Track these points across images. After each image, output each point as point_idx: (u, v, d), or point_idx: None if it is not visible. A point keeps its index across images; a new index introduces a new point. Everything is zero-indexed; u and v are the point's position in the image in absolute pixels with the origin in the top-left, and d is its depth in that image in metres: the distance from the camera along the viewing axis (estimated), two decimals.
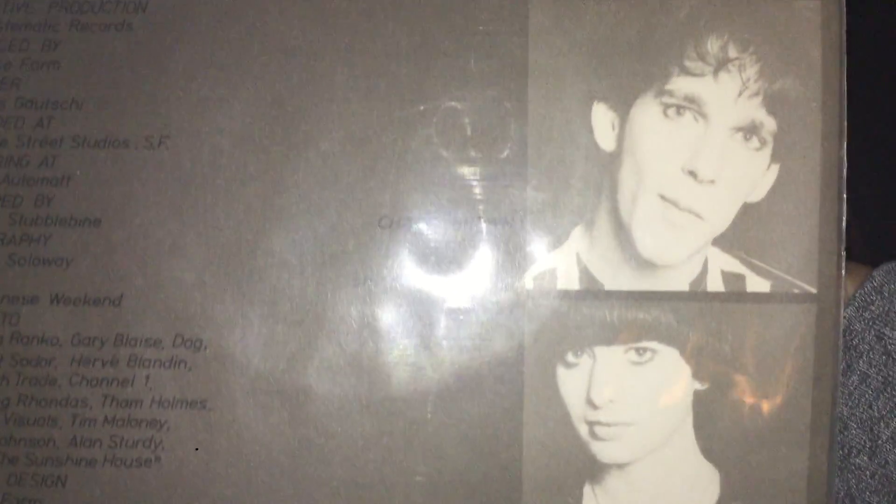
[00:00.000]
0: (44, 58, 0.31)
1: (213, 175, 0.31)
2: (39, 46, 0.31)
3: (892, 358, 0.32)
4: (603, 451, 0.31)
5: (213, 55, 0.31)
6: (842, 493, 0.33)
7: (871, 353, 0.32)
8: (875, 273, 0.33)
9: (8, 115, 0.31)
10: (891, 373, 0.32)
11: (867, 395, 0.32)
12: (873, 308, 0.32)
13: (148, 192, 0.31)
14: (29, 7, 0.32)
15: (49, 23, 0.31)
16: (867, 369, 0.32)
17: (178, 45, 0.31)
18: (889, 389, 0.32)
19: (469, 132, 0.31)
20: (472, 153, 0.31)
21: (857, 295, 0.32)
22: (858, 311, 0.32)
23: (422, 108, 0.31)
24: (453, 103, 0.31)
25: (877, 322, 0.32)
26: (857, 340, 0.32)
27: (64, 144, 0.31)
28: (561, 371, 0.31)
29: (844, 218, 0.30)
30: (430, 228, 0.31)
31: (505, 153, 0.31)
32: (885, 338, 0.32)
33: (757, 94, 0.30)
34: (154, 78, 0.31)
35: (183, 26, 0.31)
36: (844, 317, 0.32)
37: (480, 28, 0.31)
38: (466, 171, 0.31)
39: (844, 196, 0.30)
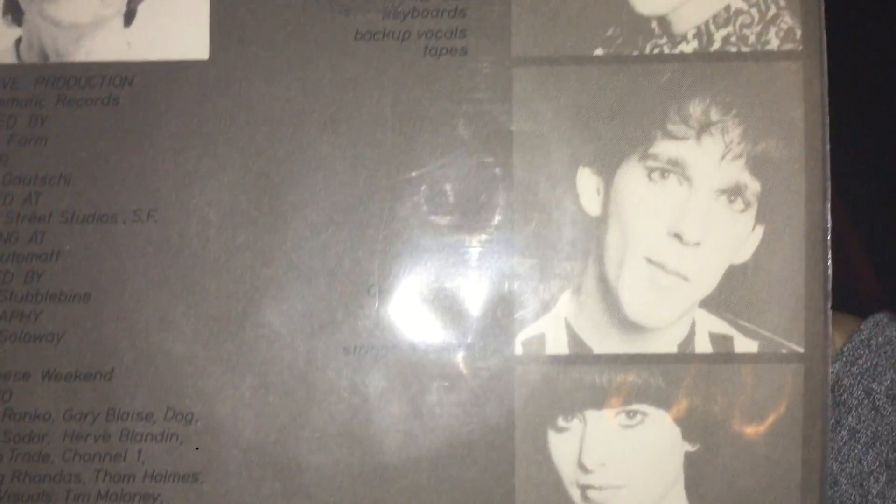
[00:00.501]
0: (31, 134, 0.32)
1: (201, 247, 0.31)
2: (26, 122, 0.32)
3: (881, 413, 0.32)
4: None
5: (199, 128, 0.31)
6: None
7: (859, 407, 0.32)
8: (863, 326, 0.33)
9: None
10: (879, 427, 0.32)
11: (856, 451, 0.32)
12: (861, 362, 0.32)
13: (137, 265, 0.31)
14: (15, 83, 0.32)
15: (35, 98, 0.32)
16: (856, 424, 0.32)
17: (165, 118, 0.31)
18: (878, 444, 0.32)
19: (456, 199, 0.31)
20: (460, 220, 0.31)
21: (845, 349, 0.33)
22: (846, 365, 0.33)
23: (408, 175, 0.31)
24: (440, 171, 0.31)
25: (865, 376, 0.32)
26: (845, 395, 0.32)
27: (52, 220, 0.31)
28: (552, 436, 0.31)
29: (830, 277, 0.30)
30: (418, 296, 0.31)
31: (493, 220, 0.31)
32: (873, 392, 0.32)
33: (740, 156, 0.31)
34: (141, 152, 0.31)
35: (169, 100, 0.31)
36: (832, 371, 0.32)
37: (465, 95, 0.31)
38: (454, 238, 0.31)
39: (829, 255, 0.30)
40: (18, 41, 0.32)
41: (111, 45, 0.32)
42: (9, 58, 0.32)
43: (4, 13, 0.32)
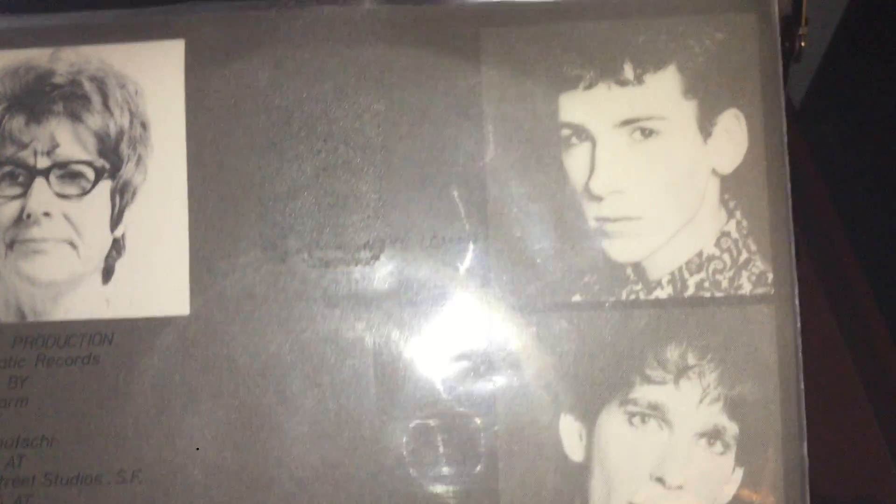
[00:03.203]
0: (11, 395, 0.31)
1: None
2: (6, 383, 0.31)
3: None
4: None
5: (181, 384, 0.31)
6: None
7: None
8: None
9: None
10: None
11: None
12: None
13: None
14: None
15: (14, 359, 0.32)
16: None
17: (146, 375, 0.31)
18: None
19: (440, 450, 0.31)
20: (444, 471, 0.31)
21: None
22: None
23: (391, 427, 0.31)
24: (423, 421, 0.31)
25: None
26: None
27: (36, 483, 0.31)
28: None
29: None
30: None
31: (477, 469, 0.31)
32: None
33: (717, 399, 0.31)
34: (123, 410, 0.31)
35: (150, 357, 0.31)
36: None
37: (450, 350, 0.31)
38: (439, 489, 0.31)
39: (808, 494, 0.31)
40: None
41: (90, 302, 0.32)
42: None
43: None
